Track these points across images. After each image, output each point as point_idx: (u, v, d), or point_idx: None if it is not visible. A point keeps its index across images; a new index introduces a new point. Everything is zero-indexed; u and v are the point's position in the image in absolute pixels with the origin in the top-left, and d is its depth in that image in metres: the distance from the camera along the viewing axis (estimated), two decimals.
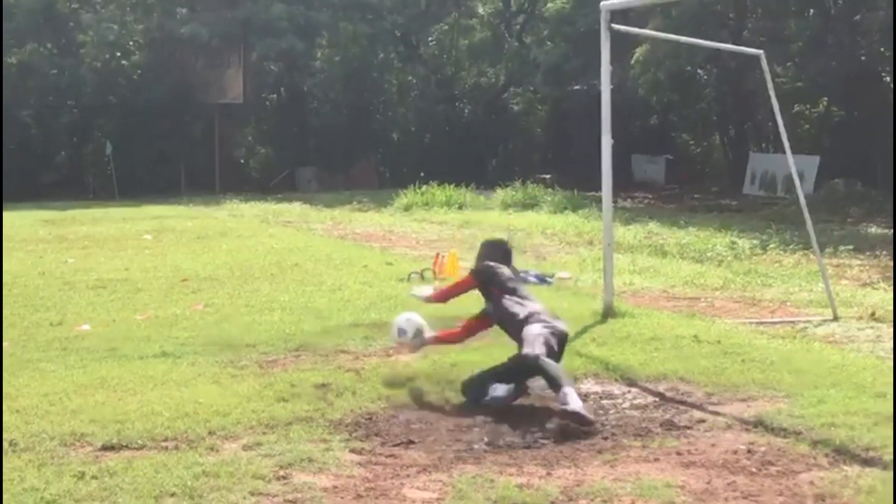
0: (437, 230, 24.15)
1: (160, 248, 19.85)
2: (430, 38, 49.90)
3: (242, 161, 46.74)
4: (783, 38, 33.27)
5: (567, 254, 18.94)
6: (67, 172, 43.35)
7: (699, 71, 39.60)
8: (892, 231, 22.32)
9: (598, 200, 29.90)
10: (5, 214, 28.29)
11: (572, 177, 36.40)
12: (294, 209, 30.88)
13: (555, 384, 7.46)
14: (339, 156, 43.95)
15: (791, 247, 18.64)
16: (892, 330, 10.71)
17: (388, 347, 9.50)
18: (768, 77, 11.84)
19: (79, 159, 43.62)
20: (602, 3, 11.22)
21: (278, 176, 44.06)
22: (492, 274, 8.58)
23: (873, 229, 23.30)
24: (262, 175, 45.19)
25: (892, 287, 13.96)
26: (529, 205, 29.57)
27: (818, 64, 33.24)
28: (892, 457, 6.24)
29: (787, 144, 11.93)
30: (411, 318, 8.73)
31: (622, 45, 34.80)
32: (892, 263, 16.95)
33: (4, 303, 13.09)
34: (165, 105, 41.54)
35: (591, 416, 7.22)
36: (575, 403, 7.18)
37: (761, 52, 12.03)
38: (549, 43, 41.15)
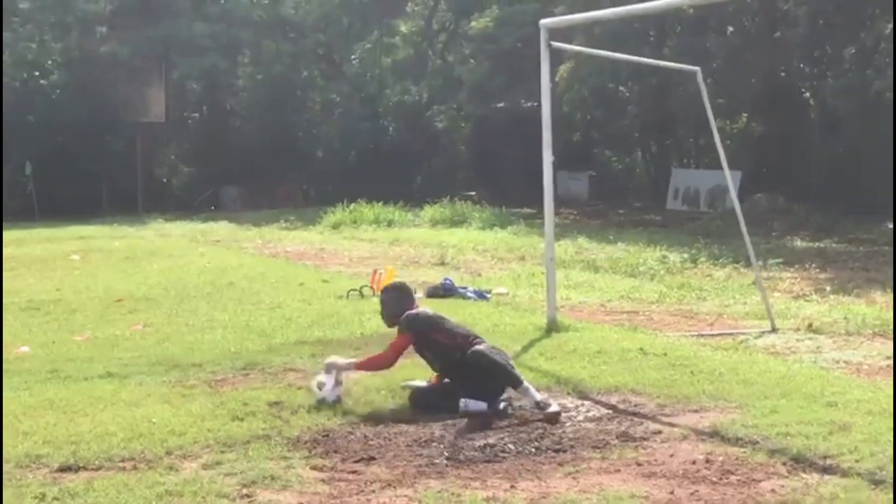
0: (367, 248, 24.14)
1: (89, 268, 19.64)
2: (353, 57, 49.89)
3: (165, 180, 46.36)
4: (703, 54, 33.74)
5: (500, 270, 19.04)
6: None
7: (621, 88, 40.07)
8: (816, 244, 22.78)
9: (526, 217, 30.66)
10: None
11: (497, 194, 36.63)
12: (221, 228, 30.69)
13: (515, 380, 7.92)
14: (263, 174, 43.74)
15: (721, 260, 18.91)
16: (829, 341, 10.95)
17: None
18: (704, 93, 12.05)
19: None
20: (541, 21, 11.32)
21: (202, 195, 43.74)
22: (428, 320, 8.49)
23: (798, 242, 23.70)
24: (186, 194, 44.82)
25: (824, 300, 14.24)
26: (458, 221, 29.67)
27: (738, 80, 33.81)
28: (849, 465, 6.38)
29: (724, 159, 12.11)
30: (320, 380, 8.35)
31: None
32: (820, 276, 17.29)
33: None
34: (86, 124, 40.99)
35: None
36: (555, 405, 7.83)
37: (697, 68, 12.21)
38: (472, 61, 41.36)
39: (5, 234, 29.04)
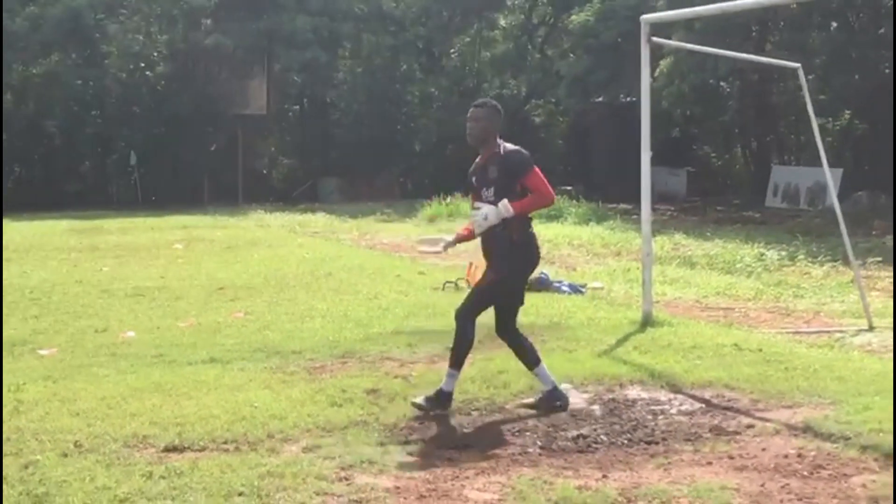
0: None
1: (192, 257, 20.07)
2: (452, 50, 50.08)
3: (265, 172, 46.98)
4: (806, 50, 33.36)
5: (596, 265, 19.06)
6: (91, 182, 43.71)
7: (721, 83, 39.70)
8: None
9: (622, 212, 30.63)
10: (32, 224, 28.68)
11: (593, 188, 36.54)
12: (319, 220, 31.06)
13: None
14: (360, 167, 44.10)
15: (819, 258, 18.72)
16: None
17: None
18: (806, 89, 12.00)
19: (103, 169, 43.98)
20: (642, 17, 11.37)
21: (301, 187, 44.31)
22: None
23: None
24: (285, 186, 45.39)
25: None
26: (553, 216, 29.61)
27: (841, 77, 33.32)
28: None
29: (824, 157, 12.04)
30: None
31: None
32: None
33: (47, 310, 13.39)
34: (189, 116, 41.81)
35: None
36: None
37: (798, 65, 12.17)
38: (571, 55, 41.28)
39: (111, 222, 29.91)
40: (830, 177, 12.48)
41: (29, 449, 6.88)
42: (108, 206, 39.26)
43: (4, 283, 15.61)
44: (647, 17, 11.42)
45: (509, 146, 8.00)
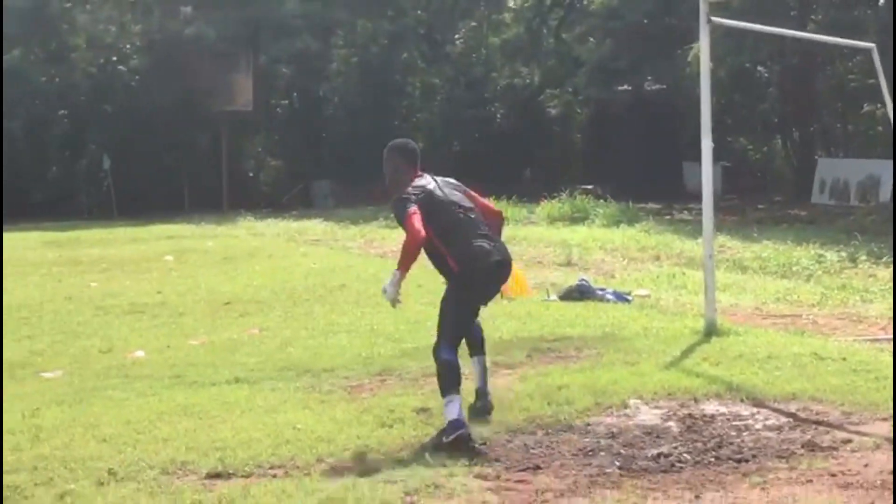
0: None
1: (187, 269, 20.23)
2: (457, 36, 50.20)
3: (251, 174, 46.95)
4: (853, 28, 33.49)
5: (635, 270, 19.18)
6: (60, 189, 43.28)
7: (759, 68, 39.83)
8: None
9: (654, 213, 30.79)
10: None
11: (618, 187, 36.57)
12: (317, 227, 31.16)
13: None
14: (357, 168, 44.06)
15: (884, 259, 18.83)
16: None
17: None
18: (880, 72, 12.07)
19: (72, 175, 43.63)
20: None
21: (291, 191, 44.38)
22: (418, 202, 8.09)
23: None
24: (273, 190, 45.44)
25: None
26: (579, 218, 29.80)
27: (891, 59, 33.43)
28: None
29: None
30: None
31: (675, 40, 35.13)
32: None
33: (40, 330, 13.55)
34: (167, 114, 41.73)
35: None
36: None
37: (873, 45, 12.29)
38: (591, 39, 41.41)
39: (88, 233, 30.05)
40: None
41: (61, 478, 7.02)
42: (80, 216, 39.30)
43: None
44: None
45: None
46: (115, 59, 42.97)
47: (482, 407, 8.51)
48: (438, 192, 8.25)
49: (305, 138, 46.11)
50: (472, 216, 8.29)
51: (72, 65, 42.27)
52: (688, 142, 41.85)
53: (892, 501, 6.30)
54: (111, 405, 9.06)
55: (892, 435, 7.60)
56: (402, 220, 8.05)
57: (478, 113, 46.09)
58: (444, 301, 8.28)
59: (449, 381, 7.93)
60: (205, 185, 42.76)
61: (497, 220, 8.75)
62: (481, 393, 8.62)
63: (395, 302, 8.15)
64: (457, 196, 8.34)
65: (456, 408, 7.78)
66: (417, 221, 7.91)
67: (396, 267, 7.97)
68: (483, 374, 8.74)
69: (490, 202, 8.97)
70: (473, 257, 8.10)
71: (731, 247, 22.48)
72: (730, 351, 10.54)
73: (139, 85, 42.91)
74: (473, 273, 8.12)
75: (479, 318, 8.67)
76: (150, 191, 41.88)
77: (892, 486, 6.53)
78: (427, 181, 8.31)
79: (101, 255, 23.48)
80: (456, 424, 7.66)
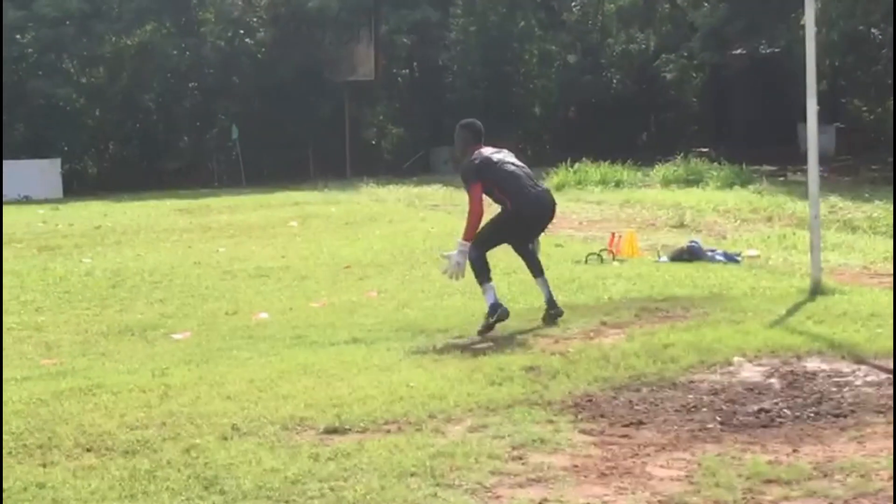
0: (597, 210, 24.49)
1: (310, 234, 20.58)
2: (573, 3, 49.98)
3: (374, 142, 47.35)
4: None
5: (747, 231, 19.09)
6: (191, 158, 44.27)
7: (873, 30, 39.11)
8: None
9: (768, 174, 30.40)
10: (135, 204, 29.56)
11: (733, 149, 36.27)
12: (436, 192, 31.36)
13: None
14: None
15: None
16: None
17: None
18: None
19: (202, 145, 44.57)
20: None
21: (412, 157, 44.67)
22: (478, 168, 10.65)
23: None
24: (395, 157, 45.84)
25: None
26: (693, 181, 29.63)
27: None
28: None
29: None
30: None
31: (788, 4, 34.61)
32: None
33: (170, 294, 13.92)
34: (292, 84, 42.36)
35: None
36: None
37: None
38: (706, 4, 41.00)
39: (217, 200, 30.68)
40: None
41: (187, 433, 7.24)
42: (210, 184, 40.14)
43: (120, 266, 16.36)
44: None
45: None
46: (242, 32, 43.60)
47: (554, 313, 10.64)
48: (494, 157, 10.75)
49: (425, 106, 46.36)
50: (522, 172, 10.79)
51: (201, 38, 42.97)
52: (802, 104, 41.34)
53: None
54: (235, 364, 9.32)
55: None
56: (469, 190, 10.63)
57: (594, 78, 45.97)
58: (492, 221, 10.75)
59: (481, 273, 10.49)
60: (329, 153, 43.27)
61: None
62: (550, 302, 10.72)
63: (457, 274, 10.57)
64: (510, 158, 10.86)
65: (492, 294, 10.40)
66: (478, 198, 10.48)
67: (462, 237, 10.51)
68: (546, 288, 10.80)
69: None
70: (524, 200, 10.57)
71: (842, 207, 22.25)
72: (834, 309, 10.49)
73: (265, 57, 43.53)
74: (521, 211, 10.60)
75: (537, 251, 11.46)
76: (277, 159, 42.57)
77: None
78: (486, 150, 10.83)
79: (229, 221, 23.98)
80: (495, 306, 10.29)
